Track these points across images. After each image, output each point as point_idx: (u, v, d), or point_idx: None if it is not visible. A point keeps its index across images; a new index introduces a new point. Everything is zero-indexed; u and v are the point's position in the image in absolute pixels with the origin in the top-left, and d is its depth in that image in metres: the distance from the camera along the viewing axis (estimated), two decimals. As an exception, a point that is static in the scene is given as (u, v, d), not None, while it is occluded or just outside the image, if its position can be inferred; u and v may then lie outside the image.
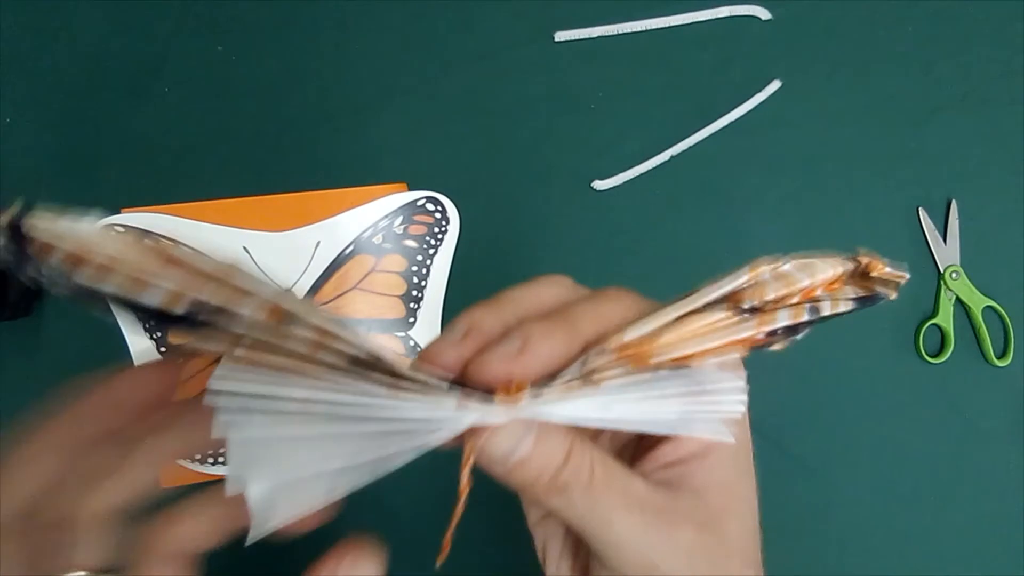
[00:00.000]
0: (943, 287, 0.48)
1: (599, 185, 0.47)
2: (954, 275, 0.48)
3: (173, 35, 0.47)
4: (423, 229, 0.46)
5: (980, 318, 0.47)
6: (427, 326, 0.46)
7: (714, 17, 0.49)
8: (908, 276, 0.19)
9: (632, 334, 0.19)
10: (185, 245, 0.17)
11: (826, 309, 0.19)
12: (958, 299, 0.48)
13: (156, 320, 0.15)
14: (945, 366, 0.47)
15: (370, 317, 0.46)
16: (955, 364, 0.47)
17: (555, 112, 0.48)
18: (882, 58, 0.50)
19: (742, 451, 0.23)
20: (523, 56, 0.48)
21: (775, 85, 0.49)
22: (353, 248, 0.46)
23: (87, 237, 0.14)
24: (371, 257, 0.46)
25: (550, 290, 0.22)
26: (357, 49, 0.48)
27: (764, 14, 0.49)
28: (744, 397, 0.20)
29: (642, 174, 0.47)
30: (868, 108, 0.49)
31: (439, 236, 0.46)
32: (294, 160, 0.47)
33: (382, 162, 0.47)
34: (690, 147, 0.48)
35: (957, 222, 0.48)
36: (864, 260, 0.19)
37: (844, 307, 0.19)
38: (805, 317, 0.19)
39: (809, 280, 0.18)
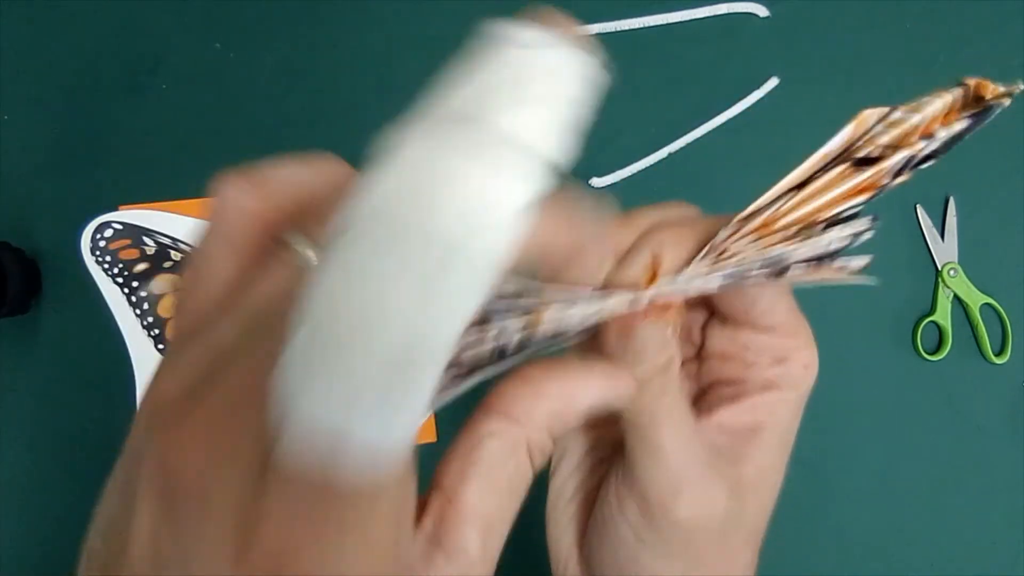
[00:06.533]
0: (941, 284, 0.48)
1: (597, 182, 0.47)
2: (952, 272, 0.48)
3: (171, 32, 0.47)
4: (421, 226, 0.46)
5: (978, 315, 0.47)
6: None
7: (712, 14, 0.49)
8: (1022, 86, 0.19)
9: (752, 207, 0.19)
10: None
11: (941, 133, 0.19)
12: (956, 296, 0.48)
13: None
14: (943, 363, 0.47)
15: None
16: (953, 361, 0.47)
17: (553, 109, 0.48)
18: (880, 55, 0.50)
19: (788, 436, 0.24)
20: (521, 53, 0.48)
21: (773, 82, 0.48)
22: (351, 245, 0.46)
23: None
24: (369, 254, 0.46)
25: (677, 209, 0.23)
26: (355, 46, 0.48)
27: (762, 11, 0.49)
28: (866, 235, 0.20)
29: (640, 171, 0.47)
30: (866, 105, 0.49)
31: (437, 233, 0.46)
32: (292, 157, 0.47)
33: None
34: (688, 144, 0.48)
35: (955, 219, 0.48)
36: (972, 83, 0.19)
37: (959, 126, 0.19)
38: (921, 145, 0.19)
39: (920, 117, 0.19)
